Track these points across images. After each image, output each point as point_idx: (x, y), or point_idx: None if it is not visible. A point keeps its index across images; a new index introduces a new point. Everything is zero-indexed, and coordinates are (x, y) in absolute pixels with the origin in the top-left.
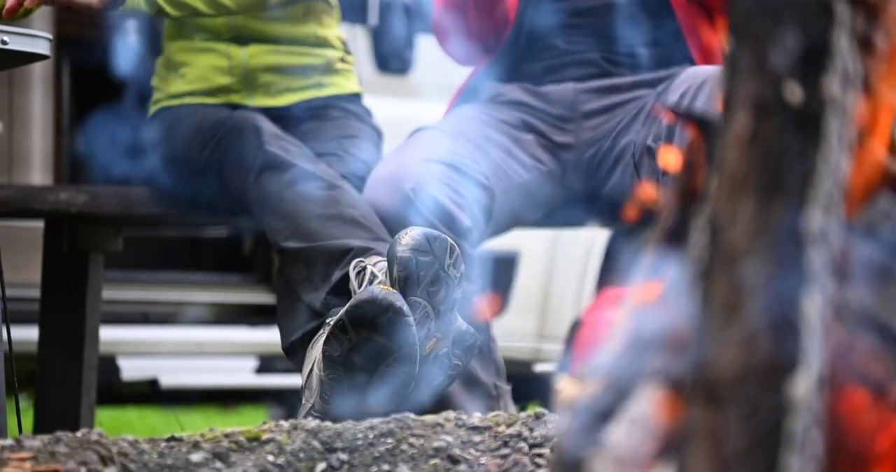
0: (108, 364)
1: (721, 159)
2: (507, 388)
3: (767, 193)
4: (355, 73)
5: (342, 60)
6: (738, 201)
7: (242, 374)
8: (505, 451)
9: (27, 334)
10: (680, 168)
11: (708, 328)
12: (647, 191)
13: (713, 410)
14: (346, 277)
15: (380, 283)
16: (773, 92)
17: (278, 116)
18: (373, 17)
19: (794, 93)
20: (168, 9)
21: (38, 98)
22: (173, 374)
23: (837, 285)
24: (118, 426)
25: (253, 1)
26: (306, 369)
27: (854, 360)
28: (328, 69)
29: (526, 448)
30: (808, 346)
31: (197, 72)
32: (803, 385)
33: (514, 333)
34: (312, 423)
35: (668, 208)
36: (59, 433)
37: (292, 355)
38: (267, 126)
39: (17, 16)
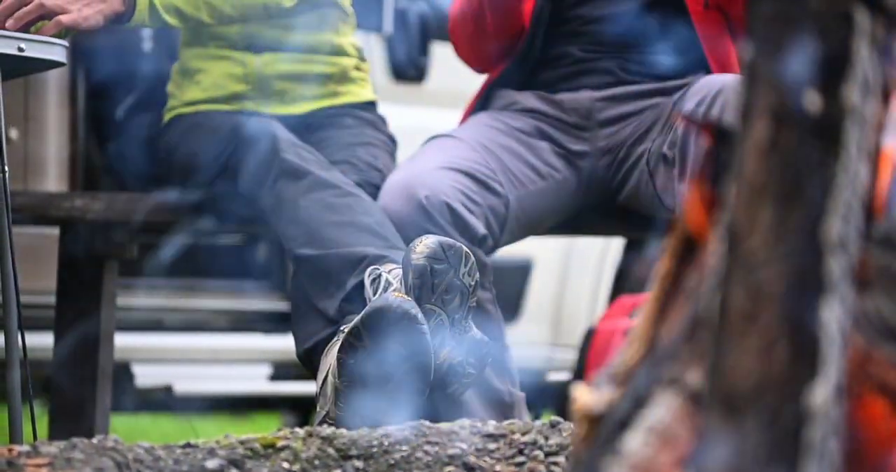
0: (123, 371)
1: (740, 168)
2: (521, 396)
3: (786, 203)
4: (370, 82)
5: (357, 68)
6: (757, 210)
7: (257, 381)
8: (520, 459)
9: (42, 340)
10: (698, 177)
11: (726, 337)
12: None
13: (731, 419)
14: (361, 284)
15: (394, 290)
16: (793, 101)
17: (293, 124)
18: (388, 25)
19: (813, 102)
20: (173, 22)
21: (53, 105)
22: (188, 381)
23: (856, 295)
24: (132, 432)
25: (254, 10)
26: (321, 377)
27: (873, 369)
28: (343, 77)
29: (541, 456)
30: (827, 355)
31: (212, 79)
32: (822, 394)
33: (527, 341)
34: (327, 430)
35: (685, 216)
36: (75, 440)
37: (307, 362)
38: (282, 133)
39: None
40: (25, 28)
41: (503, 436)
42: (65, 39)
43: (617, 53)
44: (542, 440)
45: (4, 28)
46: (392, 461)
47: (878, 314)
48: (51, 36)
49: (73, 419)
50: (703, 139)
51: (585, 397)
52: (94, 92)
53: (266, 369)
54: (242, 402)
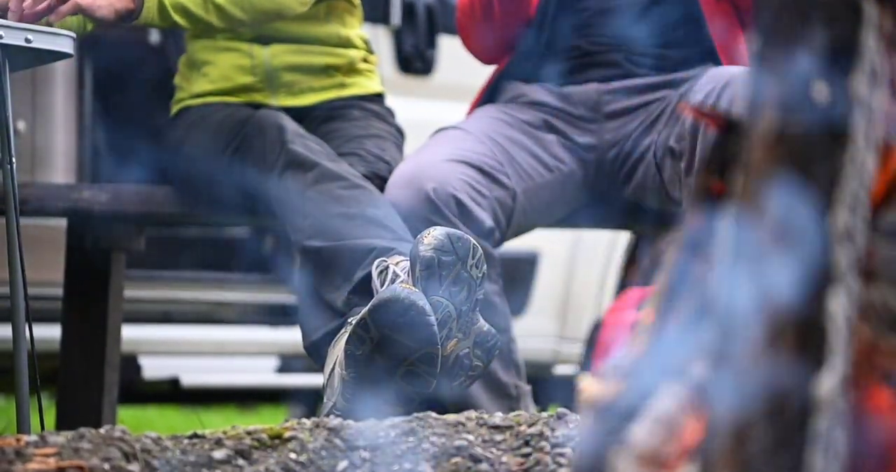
0: (130, 363)
1: (747, 159)
2: (527, 388)
3: (793, 193)
4: (378, 74)
5: (364, 60)
6: (764, 201)
7: (263, 374)
8: (526, 450)
9: (49, 332)
10: (705, 167)
11: (732, 327)
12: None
13: (737, 409)
14: (369, 276)
15: (402, 282)
16: (800, 91)
17: (300, 115)
18: (395, 18)
19: (821, 92)
20: (182, 23)
21: (60, 97)
22: (194, 373)
23: (863, 285)
24: (139, 424)
25: (266, 15)
26: (328, 368)
27: (879, 360)
28: (350, 69)
29: (548, 448)
30: (834, 345)
31: (219, 71)
32: (828, 385)
33: (534, 334)
34: (334, 421)
35: (693, 208)
36: (83, 430)
37: (314, 354)
38: (290, 125)
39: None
40: (43, 13)
41: (509, 428)
42: (80, 32)
43: (624, 46)
44: (548, 432)
45: (23, 12)
46: (398, 452)
47: (885, 305)
48: (74, 27)
49: (81, 410)
50: (710, 131)
51: (592, 388)
52: (101, 84)
53: (273, 362)
54: (249, 394)
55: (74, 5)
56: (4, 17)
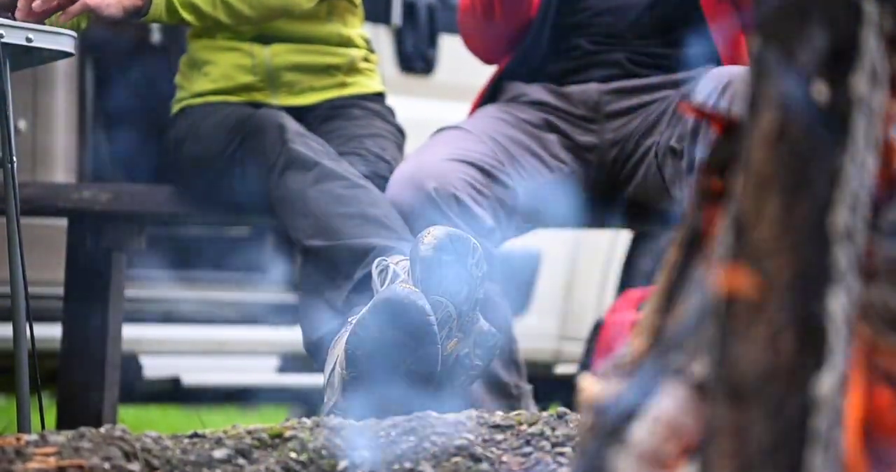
0: (131, 363)
1: (747, 159)
2: (528, 388)
3: (793, 193)
4: (379, 73)
5: (365, 60)
6: (764, 201)
7: (264, 373)
8: (527, 449)
9: (50, 331)
10: (706, 166)
11: (733, 327)
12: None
13: (737, 408)
14: (369, 275)
15: (402, 282)
16: (801, 91)
17: (301, 115)
18: (396, 17)
19: (821, 92)
20: (190, 19)
21: (61, 96)
22: (195, 373)
23: (863, 285)
24: (140, 424)
25: (273, 12)
26: (328, 368)
27: (879, 359)
28: (351, 68)
29: (548, 447)
30: (834, 345)
31: (220, 70)
32: (828, 384)
33: (535, 333)
34: (335, 421)
35: (693, 208)
36: (83, 429)
37: (314, 353)
38: (291, 124)
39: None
40: (51, 13)
41: (510, 427)
42: (75, 30)
43: (626, 46)
44: (548, 431)
45: (31, 8)
46: (399, 452)
47: (885, 305)
48: (69, 25)
49: (81, 410)
50: (711, 130)
51: (592, 387)
52: (101, 84)
53: (274, 361)
54: (250, 394)
55: (83, 5)
56: (11, 15)
